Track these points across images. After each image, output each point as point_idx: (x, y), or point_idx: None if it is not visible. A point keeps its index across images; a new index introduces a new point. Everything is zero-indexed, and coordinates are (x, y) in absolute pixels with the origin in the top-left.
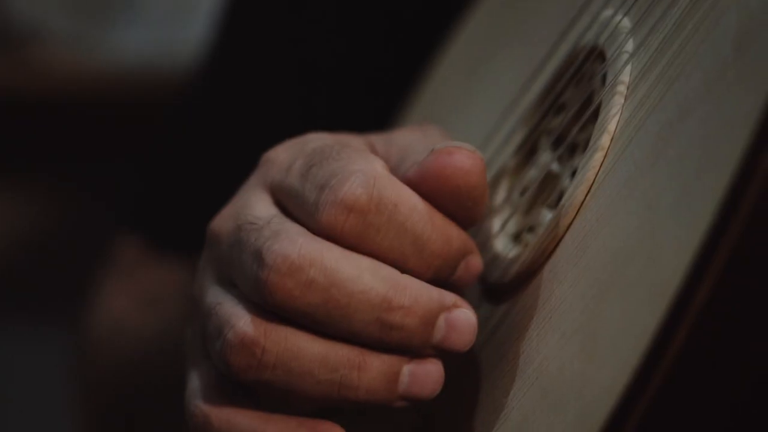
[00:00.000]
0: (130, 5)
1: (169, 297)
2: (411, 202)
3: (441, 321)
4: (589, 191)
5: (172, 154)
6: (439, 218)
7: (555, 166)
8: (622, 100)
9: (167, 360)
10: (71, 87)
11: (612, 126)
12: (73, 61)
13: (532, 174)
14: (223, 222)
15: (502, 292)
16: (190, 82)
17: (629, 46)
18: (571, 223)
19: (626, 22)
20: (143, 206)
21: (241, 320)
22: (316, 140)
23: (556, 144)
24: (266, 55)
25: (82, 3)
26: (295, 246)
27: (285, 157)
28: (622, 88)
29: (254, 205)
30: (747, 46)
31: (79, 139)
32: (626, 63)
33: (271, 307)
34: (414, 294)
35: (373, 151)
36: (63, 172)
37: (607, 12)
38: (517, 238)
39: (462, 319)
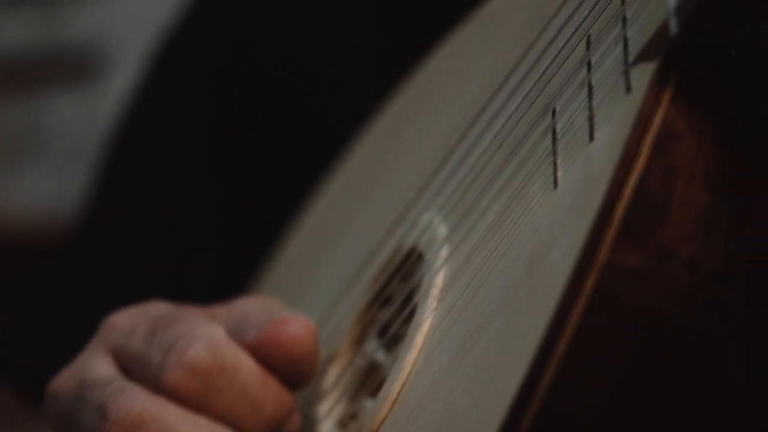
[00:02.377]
0: (30, 152)
1: None
2: (249, 366)
3: None
4: (402, 388)
5: (46, 309)
6: (273, 383)
7: (380, 356)
8: (435, 304)
9: None
10: None
11: (425, 327)
12: None
13: (359, 361)
14: (63, 381)
15: None
16: (71, 236)
17: (444, 251)
18: (385, 417)
19: (443, 229)
20: (16, 358)
21: None
22: (159, 307)
23: (382, 334)
24: (139, 217)
25: None
26: (137, 401)
27: (127, 322)
28: (435, 292)
29: (96, 366)
30: (536, 269)
31: None
32: (440, 268)
33: None
34: None
35: (214, 317)
36: None
37: (428, 215)
38: (342, 423)
39: None
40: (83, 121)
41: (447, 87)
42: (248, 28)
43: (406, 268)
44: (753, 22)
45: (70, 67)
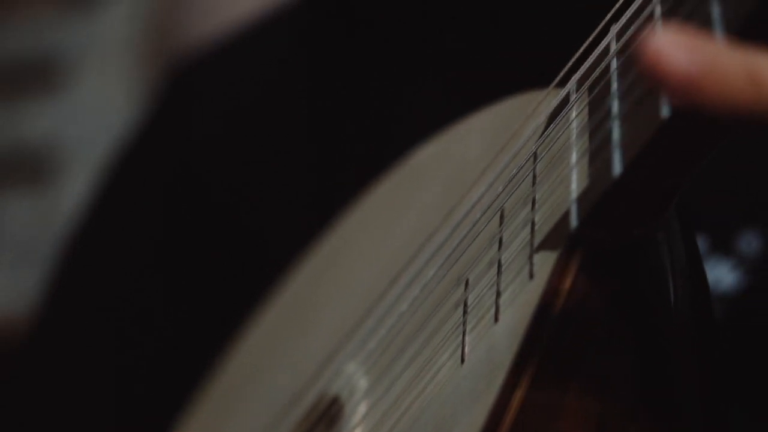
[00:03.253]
0: None
1: None
2: None
3: None
4: None
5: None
6: None
7: None
8: None
9: None
10: None
11: None
12: None
13: None
14: None
15: None
16: (26, 336)
17: (363, 407)
18: None
19: (364, 382)
20: None
21: None
22: None
23: None
24: (88, 323)
25: None
26: None
27: None
28: None
29: None
30: None
31: None
32: (358, 425)
33: None
34: None
35: None
36: None
37: (352, 365)
38: None
39: None
40: (37, 223)
41: (368, 240)
42: (197, 150)
43: (329, 417)
44: (646, 228)
45: (24, 168)
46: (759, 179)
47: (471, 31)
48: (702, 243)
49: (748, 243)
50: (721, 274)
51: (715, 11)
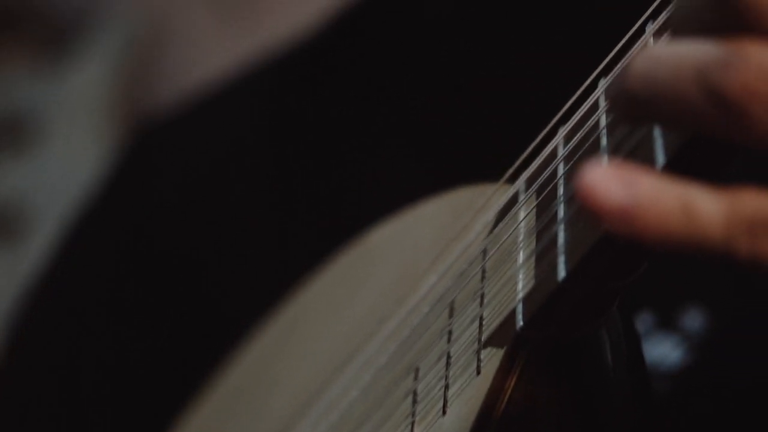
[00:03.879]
0: None
1: None
2: None
3: None
4: None
5: None
6: None
7: None
8: None
9: None
10: None
11: None
12: None
13: None
14: None
15: None
16: None
17: None
18: None
19: None
20: None
21: None
22: None
23: None
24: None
25: None
26: None
27: None
28: None
29: None
30: None
31: None
32: None
33: None
34: None
35: None
36: None
37: None
38: None
39: None
40: (5, 279)
41: (322, 319)
42: (158, 213)
43: None
44: (590, 327)
45: None
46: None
47: (432, 114)
48: (647, 319)
49: (692, 320)
50: (666, 351)
51: (657, 143)
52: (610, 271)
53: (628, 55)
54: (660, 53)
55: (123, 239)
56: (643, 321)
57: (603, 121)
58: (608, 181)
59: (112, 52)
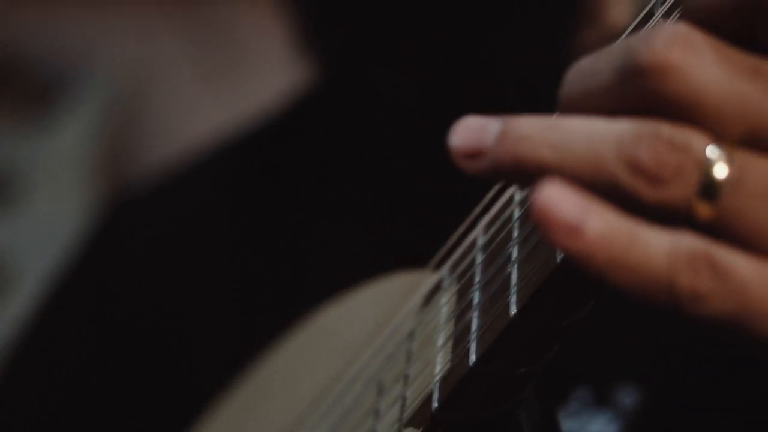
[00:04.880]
0: None
1: None
2: None
3: None
4: None
5: None
6: None
7: None
8: None
9: None
10: None
11: None
12: None
13: None
14: None
15: None
16: None
17: None
18: None
19: None
20: None
21: None
22: None
23: None
24: None
25: None
26: None
27: None
28: None
29: None
30: None
31: None
32: None
33: None
34: None
35: None
36: None
37: None
38: None
39: None
40: None
41: (272, 398)
42: (128, 284)
43: None
44: (505, 408)
45: None
46: (636, 333)
47: (378, 198)
48: (583, 395)
49: (627, 396)
50: (601, 426)
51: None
52: (518, 357)
53: None
54: (582, 130)
55: (93, 307)
56: (578, 397)
57: (516, 214)
58: (563, 195)
59: (95, 112)
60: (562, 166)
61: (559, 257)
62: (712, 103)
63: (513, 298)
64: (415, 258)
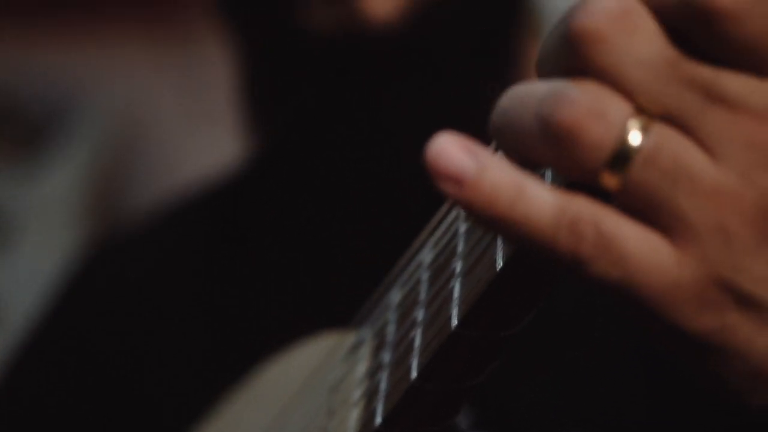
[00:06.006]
0: None
1: None
2: None
3: None
4: None
5: None
6: None
7: None
8: None
9: None
10: None
11: None
12: None
13: None
14: None
15: None
16: None
17: None
18: None
19: None
20: None
21: None
22: None
23: None
24: None
25: None
26: None
27: None
28: None
29: None
30: None
31: None
32: None
33: None
34: None
35: None
36: None
37: None
38: None
39: None
40: None
41: None
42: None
43: None
44: None
45: None
46: (577, 382)
47: (310, 258)
48: None
49: None
50: None
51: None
52: (421, 422)
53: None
54: (517, 90)
55: (70, 349)
56: None
57: (422, 293)
58: (452, 146)
59: (86, 153)
60: (499, 131)
61: (498, 267)
62: (634, 80)
63: (455, 312)
64: (346, 313)
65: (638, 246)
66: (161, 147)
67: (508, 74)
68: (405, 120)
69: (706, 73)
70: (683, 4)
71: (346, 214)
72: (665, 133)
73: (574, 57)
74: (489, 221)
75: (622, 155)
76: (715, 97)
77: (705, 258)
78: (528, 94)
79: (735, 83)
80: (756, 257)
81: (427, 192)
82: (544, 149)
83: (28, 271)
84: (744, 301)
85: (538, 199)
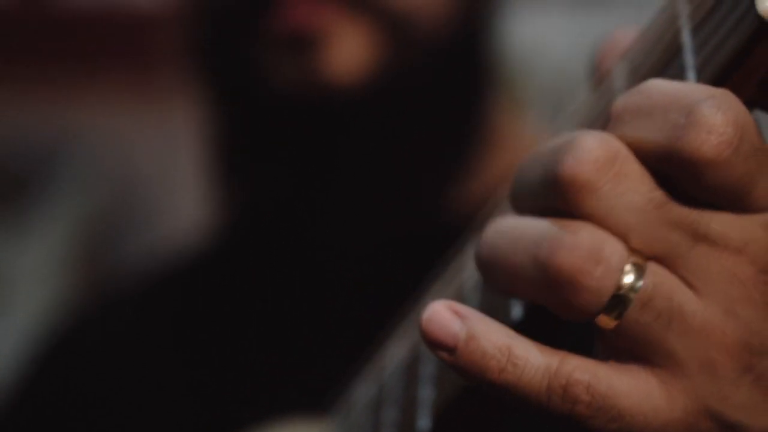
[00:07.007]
0: None
1: None
2: None
3: None
4: None
5: None
6: None
7: None
8: None
9: None
10: None
11: None
12: None
13: None
14: None
15: None
16: None
17: None
18: None
19: None
20: None
21: None
22: None
23: None
24: None
25: None
26: None
27: None
28: None
29: None
30: None
31: None
32: None
33: None
34: None
35: None
36: None
37: None
38: None
39: None
40: None
41: None
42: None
43: None
44: None
45: None
46: None
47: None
48: None
49: None
50: None
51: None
52: None
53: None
54: (503, 225)
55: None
56: None
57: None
58: (443, 314)
59: (74, 213)
60: (490, 268)
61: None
62: (625, 225)
63: (424, 413)
64: (317, 392)
65: (632, 398)
66: (145, 200)
67: (473, 134)
68: (368, 183)
69: (690, 213)
70: (668, 153)
71: (317, 284)
72: (658, 274)
73: (563, 202)
74: (483, 385)
75: (621, 300)
76: (699, 236)
77: (693, 392)
78: (519, 233)
79: (716, 221)
80: (738, 386)
81: (393, 261)
82: (539, 290)
83: (16, 332)
84: (729, 428)
85: (527, 363)
